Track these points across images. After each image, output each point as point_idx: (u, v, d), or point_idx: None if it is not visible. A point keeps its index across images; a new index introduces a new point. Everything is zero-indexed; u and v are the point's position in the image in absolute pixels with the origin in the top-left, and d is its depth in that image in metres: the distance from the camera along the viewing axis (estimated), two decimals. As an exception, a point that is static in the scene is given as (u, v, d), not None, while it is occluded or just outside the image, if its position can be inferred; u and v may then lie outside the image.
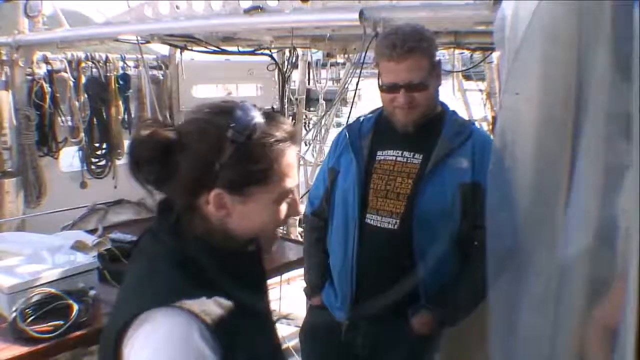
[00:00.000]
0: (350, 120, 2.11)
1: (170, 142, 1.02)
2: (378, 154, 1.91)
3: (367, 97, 4.09)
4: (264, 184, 1.04)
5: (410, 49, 1.73)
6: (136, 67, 4.06)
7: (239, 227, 1.07)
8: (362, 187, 1.87)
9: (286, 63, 4.40)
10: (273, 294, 4.41)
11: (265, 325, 1.21)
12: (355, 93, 2.82)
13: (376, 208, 1.85)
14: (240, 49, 3.76)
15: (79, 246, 2.53)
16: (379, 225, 1.84)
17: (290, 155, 1.06)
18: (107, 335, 1.04)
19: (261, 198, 1.05)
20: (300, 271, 2.27)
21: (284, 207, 1.09)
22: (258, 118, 1.03)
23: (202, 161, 1.01)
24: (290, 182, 1.08)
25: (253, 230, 1.09)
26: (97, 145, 3.97)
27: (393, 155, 1.88)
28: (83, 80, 3.81)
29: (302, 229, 2.47)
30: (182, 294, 0.98)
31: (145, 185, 1.06)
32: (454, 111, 1.93)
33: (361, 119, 2.02)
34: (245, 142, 1.00)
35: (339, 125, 5.16)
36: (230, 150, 1.00)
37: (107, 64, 3.87)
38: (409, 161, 1.85)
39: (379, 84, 1.84)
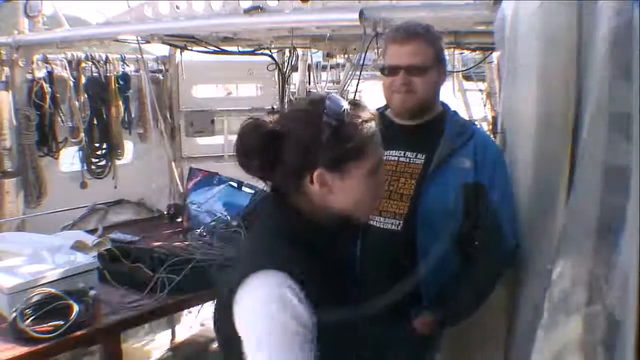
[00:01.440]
0: None
1: (274, 132, 1.17)
2: None
3: (368, 98, 4.08)
4: (358, 160, 1.18)
5: (415, 33, 1.76)
6: (137, 70, 4.06)
7: (339, 203, 1.21)
8: None
9: (286, 63, 4.41)
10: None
11: (348, 289, 1.38)
12: (355, 94, 2.82)
13: (379, 209, 1.82)
14: (240, 49, 3.77)
15: (79, 246, 2.53)
16: (381, 226, 1.82)
17: (376, 133, 1.22)
18: (220, 296, 1.21)
19: (356, 173, 1.19)
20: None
21: (376, 181, 1.24)
22: (345, 104, 1.18)
23: (304, 145, 1.16)
24: (378, 157, 1.23)
25: (351, 204, 1.22)
26: (97, 145, 3.96)
27: (395, 156, 1.86)
28: (83, 80, 3.81)
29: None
30: (283, 260, 1.13)
31: (256, 174, 1.21)
32: (455, 112, 1.93)
33: None
34: (339, 124, 1.15)
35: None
36: (327, 133, 1.14)
37: (107, 64, 3.87)
38: (411, 162, 1.84)
39: (382, 71, 1.84)
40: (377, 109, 2.01)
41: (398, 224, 1.80)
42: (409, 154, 1.84)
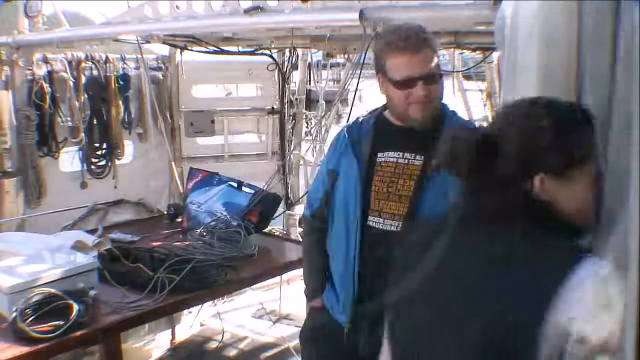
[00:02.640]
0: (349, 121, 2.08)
1: (491, 136, 1.12)
2: (379, 155, 1.88)
3: (368, 98, 4.09)
4: (582, 165, 1.10)
5: (425, 40, 1.73)
6: (137, 68, 4.06)
7: (565, 210, 1.12)
8: (364, 189, 1.85)
9: (286, 63, 4.41)
10: (273, 294, 4.42)
11: None
12: (355, 94, 2.82)
13: (378, 210, 1.84)
14: (240, 49, 3.76)
15: (79, 246, 2.53)
16: (381, 227, 1.83)
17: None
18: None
19: (582, 180, 1.11)
20: (301, 271, 2.26)
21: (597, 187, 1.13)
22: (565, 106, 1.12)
23: (524, 149, 1.09)
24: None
25: (578, 212, 1.13)
26: (97, 145, 3.96)
27: (394, 157, 1.86)
28: (83, 80, 3.81)
29: (301, 230, 2.36)
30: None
31: (470, 178, 1.15)
32: (454, 111, 1.93)
33: (360, 119, 1.99)
34: (563, 128, 1.08)
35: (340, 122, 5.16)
36: (549, 136, 1.07)
37: (107, 64, 3.87)
38: (410, 162, 1.84)
39: (388, 80, 1.77)
40: (375, 110, 2.01)
41: (397, 225, 1.81)
42: (407, 154, 1.84)
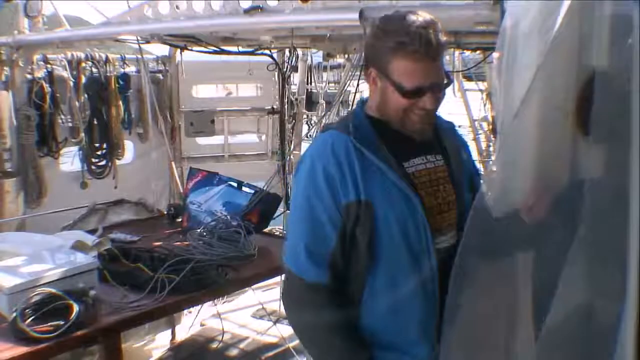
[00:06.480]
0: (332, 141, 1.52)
1: None
2: (405, 165, 1.54)
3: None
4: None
5: (443, 46, 1.47)
6: (137, 71, 4.06)
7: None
8: (423, 203, 1.50)
9: (286, 63, 4.41)
10: (273, 294, 4.42)
11: None
12: (355, 94, 2.82)
13: (439, 228, 1.53)
14: (240, 49, 3.77)
15: (79, 246, 2.53)
16: (446, 245, 1.54)
17: None
18: None
19: None
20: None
21: None
22: None
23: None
24: None
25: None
26: (97, 145, 3.96)
27: (421, 163, 1.57)
28: (83, 80, 3.81)
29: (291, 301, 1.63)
30: None
31: None
32: None
33: (350, 128, 1.53)
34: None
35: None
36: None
37: (107, 64, 3.87)
38: (436, 164, 1.59)
39: (391, 83, 1.48)
40: (351, 114, 1.64)
41: (453, 235, 1.57)
42: (429, 157, 1.59)
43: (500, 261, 1.23)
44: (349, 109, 2.96)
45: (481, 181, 1.62)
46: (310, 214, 1.50)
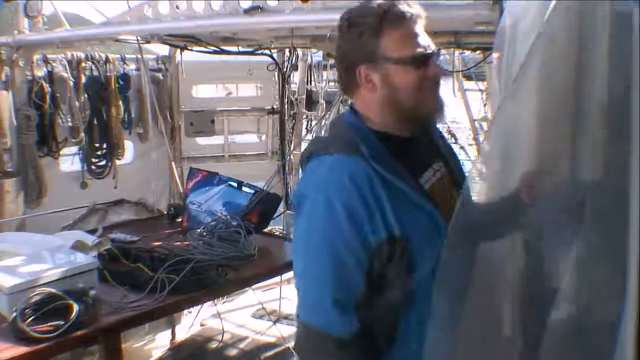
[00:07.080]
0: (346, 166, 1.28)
1: None
2: (420, 183, 1.38)
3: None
4: None
5: (419, 9, 1.36)
6: (137, 69, 4.06)
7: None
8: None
9: (286, 63, 4.41)
10: (273, 294, 4.42)
11: None
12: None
13: None
14: (240, 49, 3.77)
15: (79, 246, 2.53)
16: None
17: None
18: None
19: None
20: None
21: None
22: None
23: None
24: None
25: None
26: (97, 145, 3.96)
27: (432, 177, 1.41)
28: (83, 80, 3.81)
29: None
30: None
31: None
32: None
33: (360, 148, 1.29)
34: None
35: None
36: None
37: (107, 64, 3.87)
38: (442, 173, 1.45)
39: (392, 63, 1.31)
40: (343, 126, 1.41)
41: None
42: (434, 165, 1.45)
43: (489, 258, 1.20)
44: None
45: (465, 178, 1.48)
46: (334, 261, 1.25)
